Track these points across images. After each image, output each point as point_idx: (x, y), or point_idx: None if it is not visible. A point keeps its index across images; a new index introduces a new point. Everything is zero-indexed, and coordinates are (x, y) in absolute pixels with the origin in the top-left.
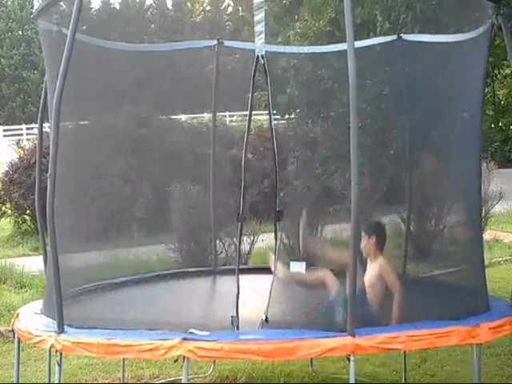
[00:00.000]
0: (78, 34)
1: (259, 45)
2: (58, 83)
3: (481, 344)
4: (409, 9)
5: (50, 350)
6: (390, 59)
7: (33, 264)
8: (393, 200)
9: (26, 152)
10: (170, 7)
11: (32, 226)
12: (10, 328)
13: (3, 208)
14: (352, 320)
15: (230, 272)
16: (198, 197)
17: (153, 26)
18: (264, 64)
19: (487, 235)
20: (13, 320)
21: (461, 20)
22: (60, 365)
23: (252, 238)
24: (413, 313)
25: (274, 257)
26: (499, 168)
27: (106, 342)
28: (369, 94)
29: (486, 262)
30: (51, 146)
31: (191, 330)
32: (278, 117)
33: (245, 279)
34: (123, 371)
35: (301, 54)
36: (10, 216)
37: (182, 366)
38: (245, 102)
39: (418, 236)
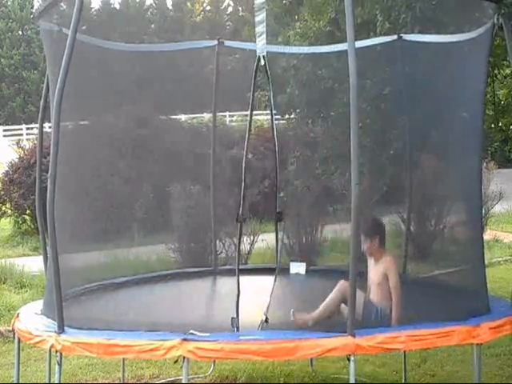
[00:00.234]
0: (78, 34)
1: (260, 45)
2: (58, 83)
3: (481, 344)
4: (409, 9)
5: (50, 350)
6: (390, 59)
7: (33, 264)
8: (393, 200)
9: (25, 152)
10: (170, 7)
11: (32, 226)
12: (10, 328)
13: (3, 208)
14: (352, 320)
15: (230, 272)
16: (198, 197)
17: (153, 26)
18: (265, 64)
19: (487, 235)
20: (13, 320)
21: (461, 20)
22: (60, 365)
23: (252, 238)
24: (413, 313)
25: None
26: (499, 168)
27: (105, 342)
28: (369, 93)
29: (486, 262)
30: (51, 146)
31: (191, 331)
32: (279, 117)
33: (245, 279)
34: (123, 371)
35: (301, 54)
36: (10, 216)
37: (181, 367)
38: (245, 102)
39: (418, 236)
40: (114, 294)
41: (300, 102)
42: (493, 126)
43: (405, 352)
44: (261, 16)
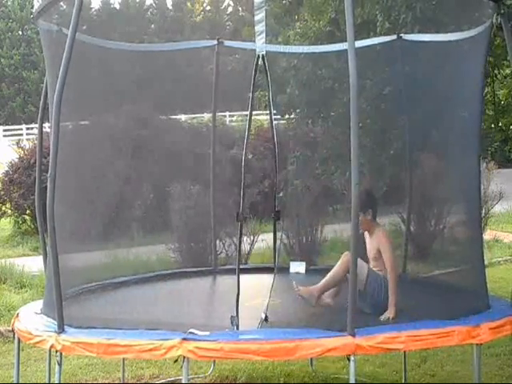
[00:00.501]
0: (78, 33)
1: (260, 45)
2: (58, 83)
3: (481, 344)
4: (409, 9)
5: (49, 350)
6: (390, 59)
7: (33, 264)
8: (393, 200)
9: (25, 152)
10: (170, 7)
11: (32, 226)
12: (10, 328)
13: (3, 208)
14: (352, 320)
15: (230, 272)
16: (198, 197)
17: (153, 26)
18: (265, 64)
19: (487, 235)
20: (13, 320)
21: (461, 20)
22: (60, 365)
23: (252, 238)
24: (413, 313)
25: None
26: (499, 168)
27: (105, 342)
28: (369, 93)
29: (486, 262)
30: (51, 146)
31: (191, 330)
32: (278, 117)
33: (245, 278)
34: (123, 371)
35: (301, 53)
36: (10, 216)
37: (181, 366)
38: (245, 102)
39: (418, 236)
40: (113, 294)
41: (300, 102)
42: (493, 126)
43: (405, 352)
44: (260, 15)
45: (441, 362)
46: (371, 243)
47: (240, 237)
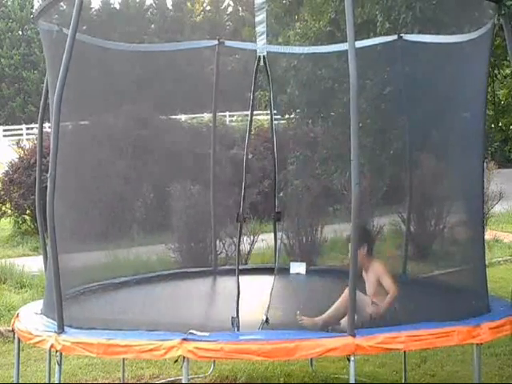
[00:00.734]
0: (78, 33)
1: (261, 46)
2: (58, 83)
3: (481, 344)
4: (409, 9)
5: (49, 350)
6: (391, 59)
7: (33, 264)
8: (393, 200)
9: (25, 152)
10: (170, 7)
11: (32, 226)
12: (10, 328)
13: (3, 208)
14: (352, 320)
15: (230, 272)
16: (198, 197)
17: (153, 26)
18: (265, 64)
19: (487, 235)
20: (13, 320)
21: (461, 20)
22: (60, 365)
23: (252, 238)
24: (413, 313)
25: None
26: (499, 168)
27: (105, 342)
28: (369, 94)
29: (486, 262)
30: (51, 146)
31: (191, 331)
32: (279, 117)
33: (245, 279)
34: (123, 371)
35: (301, 54)
36: (10, 216)
37: (181, 367)
38: (245, 102)
39: (418, 236)
40: (114, 294)
41: (300, 102)
42: (493, 126)
43: (405, 352)
44: (261, 16)
45: (441, 362)
46: (369, 280)
47: (239, 237)
